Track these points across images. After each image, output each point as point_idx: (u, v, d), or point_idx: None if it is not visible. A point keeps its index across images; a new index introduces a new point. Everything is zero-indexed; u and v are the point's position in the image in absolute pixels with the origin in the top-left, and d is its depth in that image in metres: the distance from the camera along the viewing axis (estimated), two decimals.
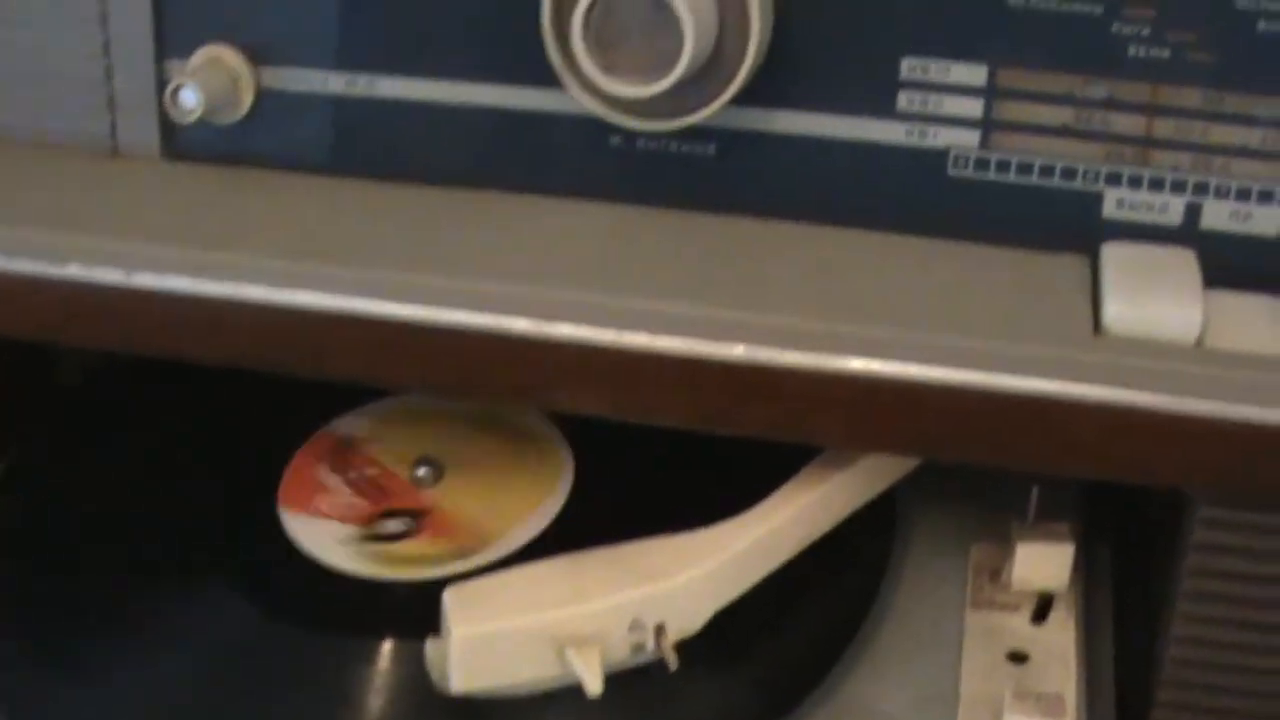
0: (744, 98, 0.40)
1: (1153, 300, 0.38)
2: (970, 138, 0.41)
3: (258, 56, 0.43)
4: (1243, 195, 0.40)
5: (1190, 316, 0.38)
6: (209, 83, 0.42)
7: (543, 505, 0.47)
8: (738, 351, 0.38)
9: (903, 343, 0.38)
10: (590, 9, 0.38)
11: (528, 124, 0.42)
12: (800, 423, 0.39)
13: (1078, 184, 0.40)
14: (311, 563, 0.45)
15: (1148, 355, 0.38)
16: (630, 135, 0.42)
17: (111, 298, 0.40)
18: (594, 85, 0.39)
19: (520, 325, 0.39)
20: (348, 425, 0.50)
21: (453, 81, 0.42)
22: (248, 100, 0.43)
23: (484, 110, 0.42)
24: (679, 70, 0.37)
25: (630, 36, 0.38)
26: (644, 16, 0.37)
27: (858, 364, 0.38)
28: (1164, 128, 0.40)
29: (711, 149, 0.42)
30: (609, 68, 0.38)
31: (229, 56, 0.42)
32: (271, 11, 0.43)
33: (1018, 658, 0.45)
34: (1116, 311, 0.38)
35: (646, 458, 0.47)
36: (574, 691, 0.40)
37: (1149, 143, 0.40)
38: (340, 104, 0.43)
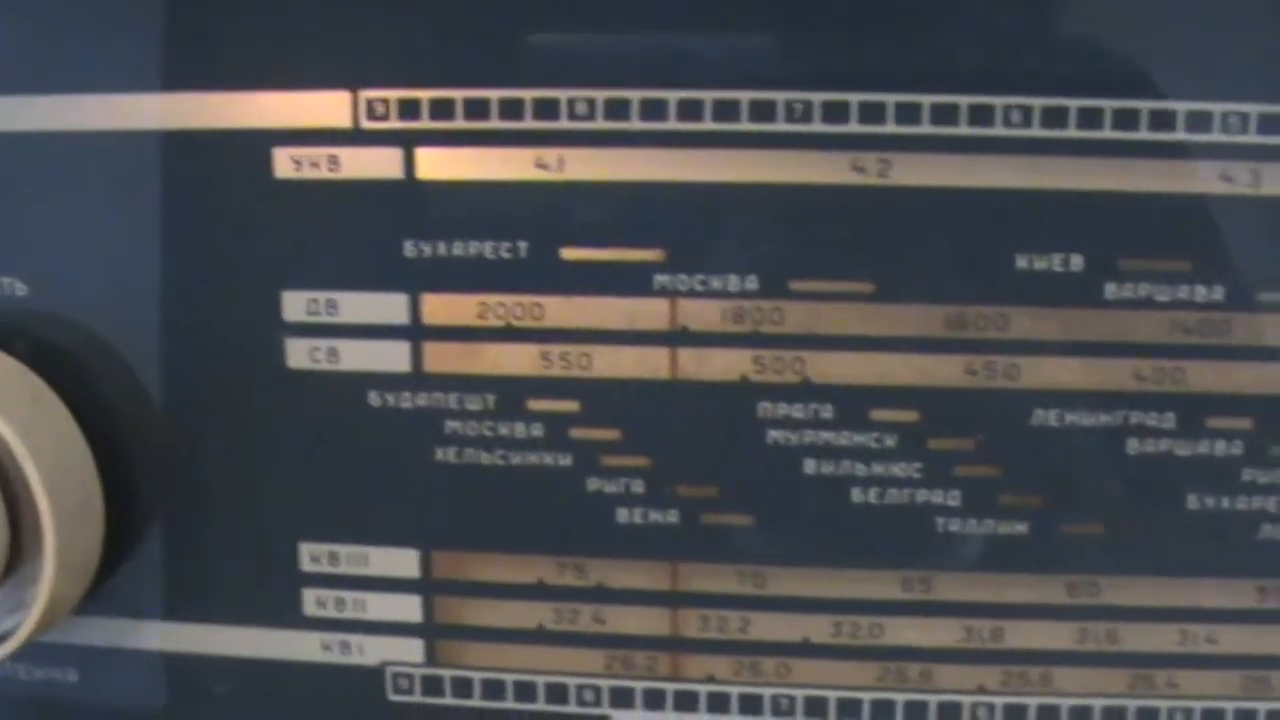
0: (107, 606, 0.29)
1: None
2: (412, 649, 0.29)
3: None
4: None
5: None
6: None
7: None
8: None
9: None
10: None
11: None
12: None
13: (571, 707, 0.28)
14: None
15: None
16: None
17: None
18: None
19: None
20: None
21: None
22: None
23: None
24: None
25: None
26: None
27: None
28: (690, 621, 0.28)
29: (73, 675, 0.30)
30: None
31: None
32: None
33: None
34: None
35: None
36: None
37: (674, 643, 0.28)
38: None
